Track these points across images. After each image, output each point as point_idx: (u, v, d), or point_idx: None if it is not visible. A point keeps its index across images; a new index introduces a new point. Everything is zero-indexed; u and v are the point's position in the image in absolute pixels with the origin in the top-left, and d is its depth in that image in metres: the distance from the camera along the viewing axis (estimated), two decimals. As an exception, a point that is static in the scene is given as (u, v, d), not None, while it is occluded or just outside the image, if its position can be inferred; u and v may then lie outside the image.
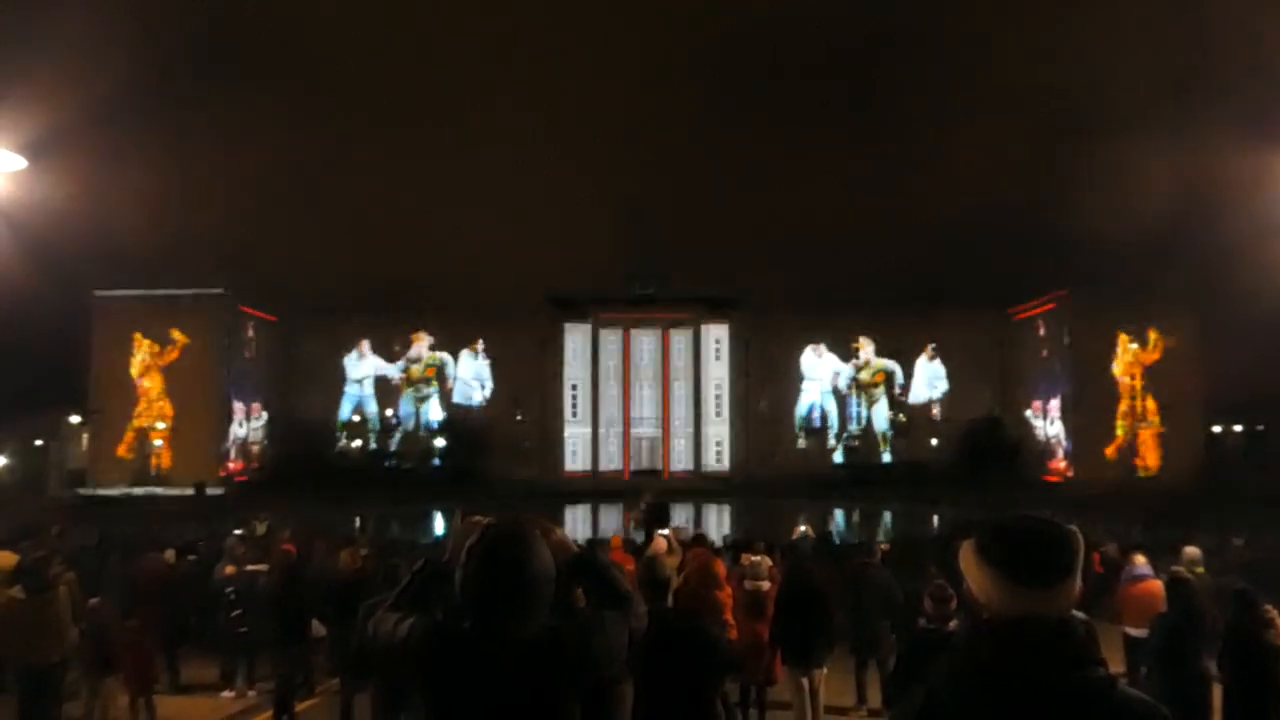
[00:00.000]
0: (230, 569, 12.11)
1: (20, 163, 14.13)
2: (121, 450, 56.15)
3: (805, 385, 66.73)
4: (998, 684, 2.06)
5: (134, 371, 57.04)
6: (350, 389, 66.05)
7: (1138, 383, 58.28)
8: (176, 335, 57.04)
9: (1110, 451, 57.48)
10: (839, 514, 44.28)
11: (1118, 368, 58.29)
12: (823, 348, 66.73)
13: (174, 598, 11.89)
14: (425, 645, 2.67)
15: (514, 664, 2.59)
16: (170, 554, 13.41)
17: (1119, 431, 57.94)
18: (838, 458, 65.30)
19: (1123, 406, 58.16)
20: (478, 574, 2.67)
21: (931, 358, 66.66)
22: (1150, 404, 58.10)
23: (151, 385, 57.13)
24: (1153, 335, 58.10)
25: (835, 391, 66.66)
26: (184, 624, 11.97)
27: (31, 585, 8.43)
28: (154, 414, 56.82)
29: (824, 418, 66.62)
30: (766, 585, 9.62)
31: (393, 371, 66.35)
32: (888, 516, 42.34)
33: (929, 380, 66.71)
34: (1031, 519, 2.24)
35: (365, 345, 66.39)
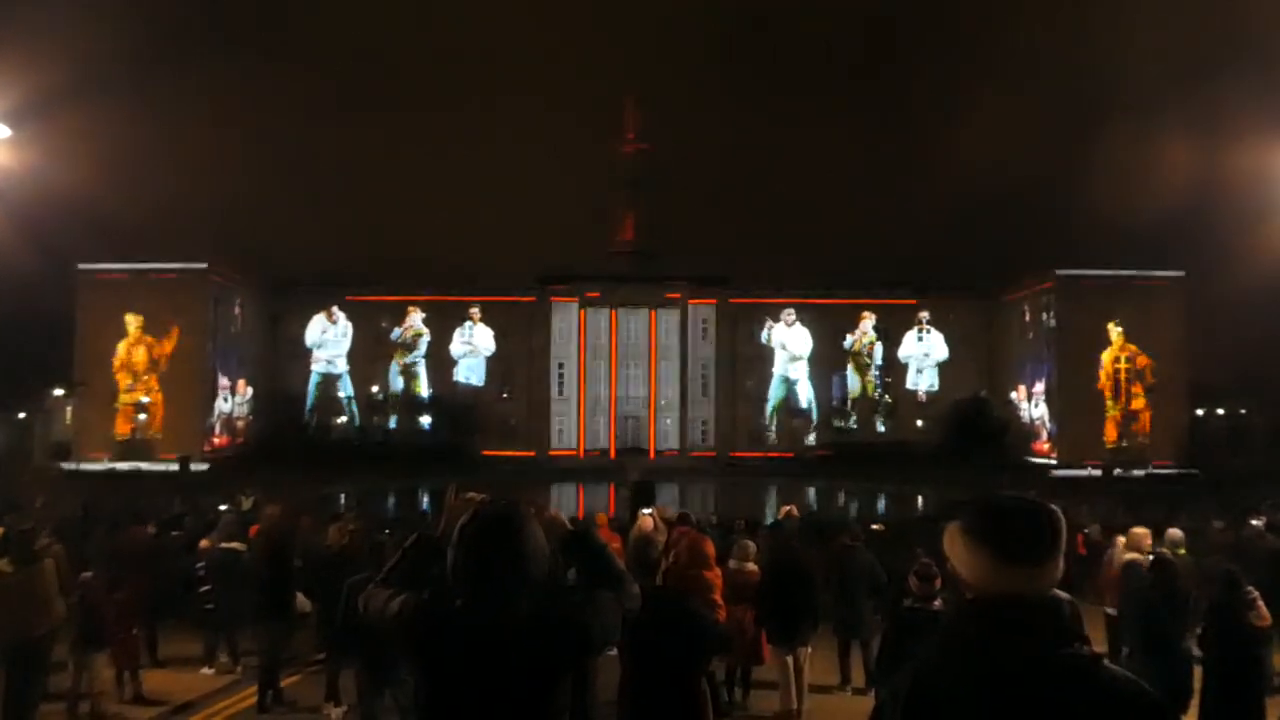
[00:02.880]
0: (205, 543, 12.05)
1: (3, 132, 14.01)
2: (120, 426, 55.97)
3: (776, 360, 66.48)
4: (985, 662, 2.07)
5: (121, 348, 56.71)
6: (318, 363, 65.44)
7: (1122, 367, 58.54)
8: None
9: (1105, 435, 57.66)
10: (823, 494, 44.46)
11: (1102, 352, 58.51)
12: (793, 316, 66.43)
13: (155, 572, 11.82)
14: (417, 622, 2.68)
15: (506, 643, 2.59)
16: (151, 528, 13.33)
17: (1106, 415, 58.19)
18: (812, 439, 65.28)
19: (1107, 390, 58.42)
20: (470, 552, 2.67)
21: (922, 333, 66.71)
22: (1135, 388, 58.38)
23: (138, 360, 56.86)
24: (1135, 321, 58.36)
25: (825, 371, 66.54)
26: (166, 598, 11.89)
27: (18, 557, 8.39)
28: (141, 389, 56.58)
29: (791, 395, 66.45)
30: (752, 566, 9.66)
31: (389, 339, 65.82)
32: (873, 497, 42.51)
33: (917, 360, 66.84)
34: (1016, 498, 2.26)
35: (335, 310, 65.66)
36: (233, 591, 11.04)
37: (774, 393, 66.42)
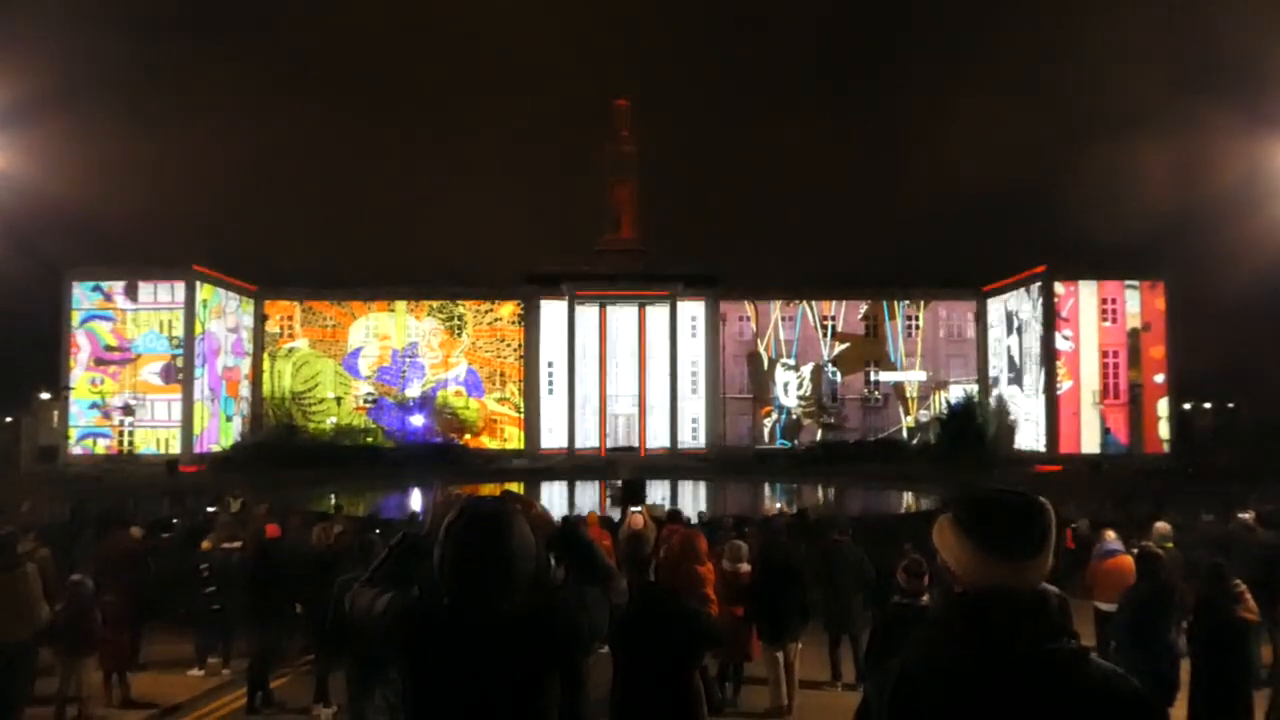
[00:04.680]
0: (207, 544, 12.00)
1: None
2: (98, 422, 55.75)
3: (781, 365, 66.78)
4: (972, 656, 2.06)
5: (104, 348, 56.44)
6: (325, 364, 65.56)
7: (1111, 360, 58.76)
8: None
9: (1093, 430, 57.94)
10: (813, 491, 44.45)
11: (1090, 345, 58.71)
12: (795, 322, 66.77)
13: (143, 575, 11.75)
14: (404, 621, 2.65)
15: (494, 640, 2.58)
16: (137, 530, 13.26)
17: (1094, 410, 58.42)
18: (801, 437, 65.36)
19: (1096, 384, 58.63)
20: (457, 550, 2.64)
21: (911, 329, 66.97)
22: (1123, 383, 58.59)
23: (127, 363, 56.57)
24: (1124, 312, 58.63)
25: (814, 368, 66.73)
26: (151, 601, 11.82)
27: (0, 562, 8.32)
28: (128, 392, 56.31)
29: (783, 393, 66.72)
30: (745, 567, 9.65)
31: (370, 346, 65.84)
32: (862, 493, 42.49)
33: (906, 356, 67.05)
34: (1006, 492, 2.24)
35: (348, 321, 65.82)
36: (236, 592, 10.99)
37: (776, 392, 66.61)
